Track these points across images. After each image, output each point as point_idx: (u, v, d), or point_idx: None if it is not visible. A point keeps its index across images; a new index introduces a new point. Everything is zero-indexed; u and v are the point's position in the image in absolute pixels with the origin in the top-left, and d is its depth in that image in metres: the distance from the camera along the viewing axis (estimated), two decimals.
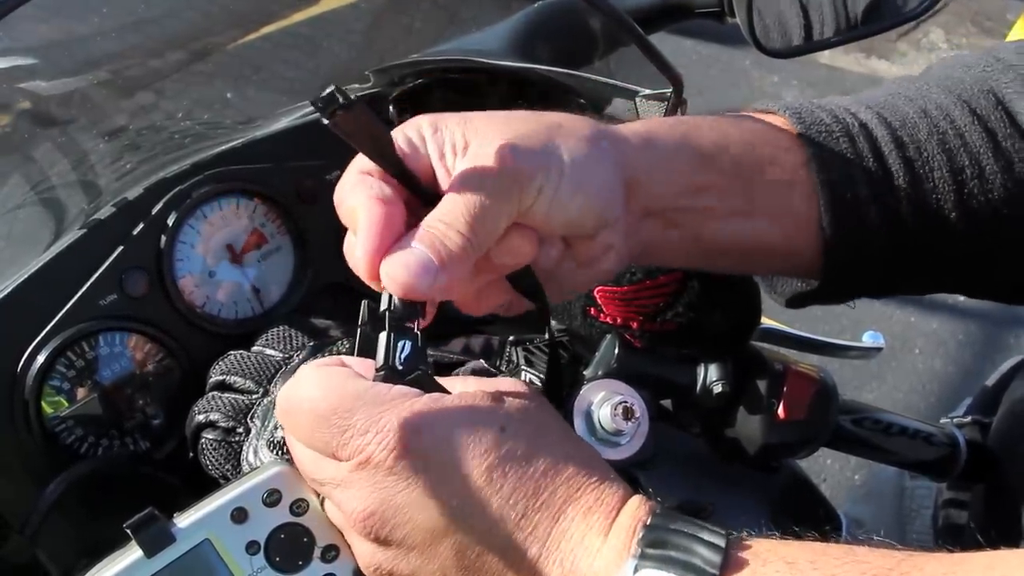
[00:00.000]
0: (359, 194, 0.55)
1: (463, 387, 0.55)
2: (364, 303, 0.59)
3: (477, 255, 0.55)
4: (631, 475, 0.71)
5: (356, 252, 0.55)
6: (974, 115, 0.66)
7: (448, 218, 0.54)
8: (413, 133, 0.58)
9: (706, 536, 0.48)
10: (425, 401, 0.52)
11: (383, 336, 0.54)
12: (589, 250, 0.60)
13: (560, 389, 0.67)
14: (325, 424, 0.52)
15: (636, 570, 0.47)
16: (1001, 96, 0.67)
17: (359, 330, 0.59)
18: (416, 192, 0.57)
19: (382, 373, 0.53)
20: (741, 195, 0.63)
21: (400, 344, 0.53)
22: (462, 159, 0.56)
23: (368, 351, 0.56)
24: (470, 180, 0.54)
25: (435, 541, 0.51)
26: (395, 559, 0.52)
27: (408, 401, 0.51)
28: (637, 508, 0.50)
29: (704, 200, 0.62)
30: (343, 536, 0.56)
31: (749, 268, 0.70)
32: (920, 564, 0.47)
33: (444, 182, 0.57)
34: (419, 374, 0.53)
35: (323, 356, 0.69)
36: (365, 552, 0.54)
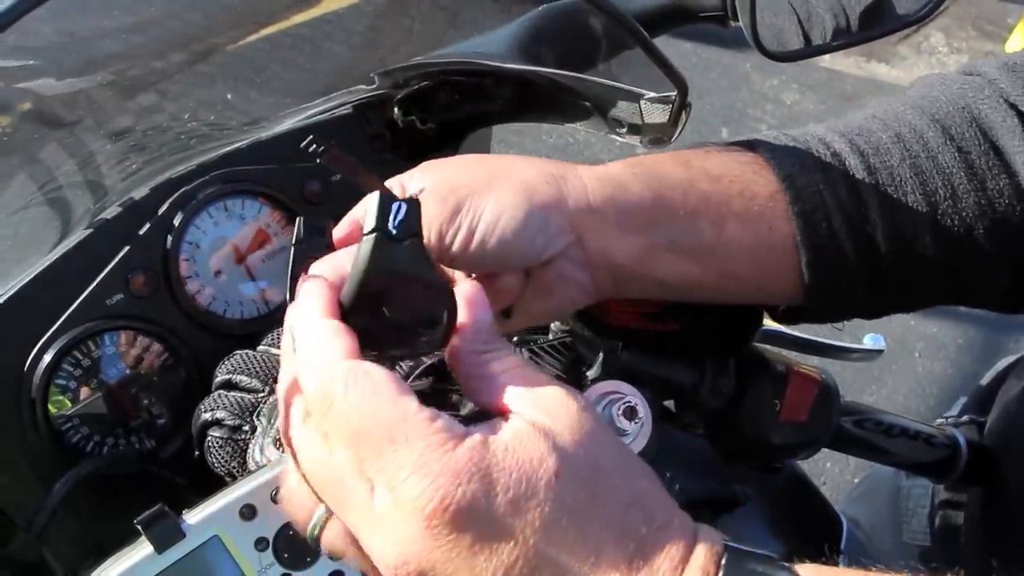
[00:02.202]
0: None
1: (514, 386, 0.50)
2: (299, 220, 0.57)
3: None
4: None
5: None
6: (947, 136, 0.66)
7: None
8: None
9: (784, 565, 0.46)
10: (471, 446, 0.46)
11: (373, 197, 0.48)
12: (544, 279, 0.63)
13: None
14: (364, 442, 0.46)
15: None
16: (976, 113, 0.67)
17: (293, 248, 0.57)
18: None
19: (372, 237, 0.47)
20: (713, 250, 0.65)
21: (395, 205, 0.48)
22: None
23: (300, 266, 0.56)
24: None
25: None
26: None
27: (452, 442, 0.46)
28: (708, 551, 0.46)
29: (668, 261, 0.64)
30: None
31: (724, 301, 0.70)
32: None
33: None
34: (413, 243, 0.48)
35: None
36: None
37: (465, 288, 0.54)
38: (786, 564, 0.46)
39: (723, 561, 0.46)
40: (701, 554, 0.46)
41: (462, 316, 0.52)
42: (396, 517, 0.45)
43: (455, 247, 0.60)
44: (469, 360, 0.51)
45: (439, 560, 0.45)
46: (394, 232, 0.47)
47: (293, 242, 0.56)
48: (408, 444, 0.45)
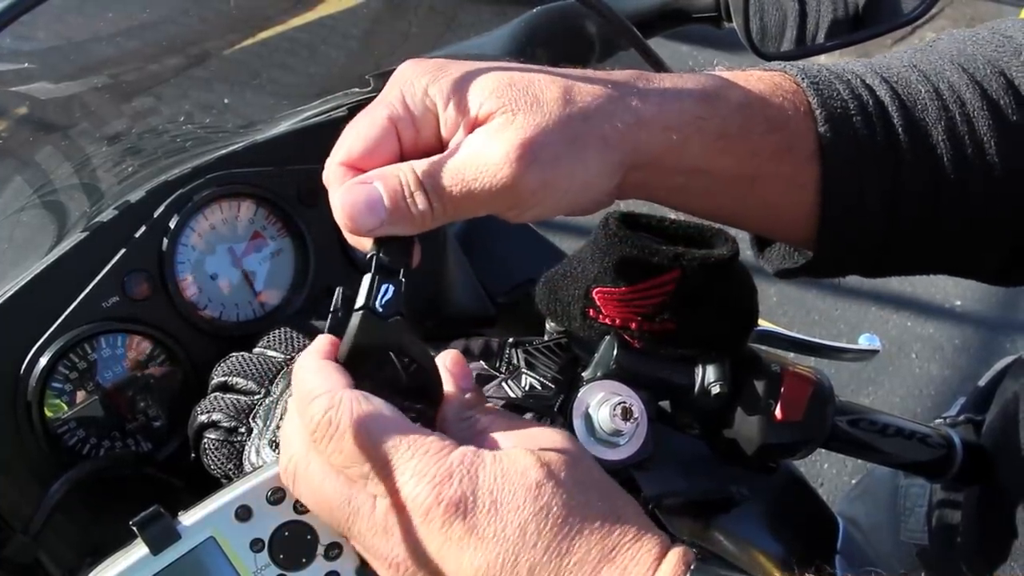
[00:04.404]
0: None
1: (500, 432, 0.55)
2: (338, 290, 0.60)
3: (435, 225, 0.56)
4: (629, 476, 0.72)
5: (327, 162, 0.57)
6: (985, 98, 0.66)
7: (429, 180, 0.55)
8: (425, 97, 0.57)
9: None
10: (463, 452, 0.51)
11: (367, 277, 0.55)
12: None
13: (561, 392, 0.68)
14: (369, 452, 0.51)
15: None
16: (1011, 79, 0.67)
17: (330, 315, 0.59)
18: None
19: (360, 313, 0.55)
20: (741, 185, 0.64)
21: (383, 287, 0.55)
22: (479, 129, 0.56)
23: (338, 335, 0.58)
24: (470, 165, 0.55)
25: None
26: None
27: (446, 449, 0.51)
28: (678, 559, 0.50)
29: (700, 181, 0.63)
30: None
31: (739, 226, 0.70)
32: None
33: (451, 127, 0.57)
34: (396, 320, 0.55)
35: None
36: None
37: (446, 359, 0.60)
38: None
39: (692, 568, 0.49)
40: (672, 560, 0.50)
41: (446, 386, 0.58)
42: (395, 519, 0.51)
43: (523, 213, 0.57)
44: (457, 427, 0.57)
45: (432, 551, 0.50)
46: (380, 310, 0.55)
47: (331, 310, 0.60)
48: (410, 451, 0.51)
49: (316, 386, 0.53)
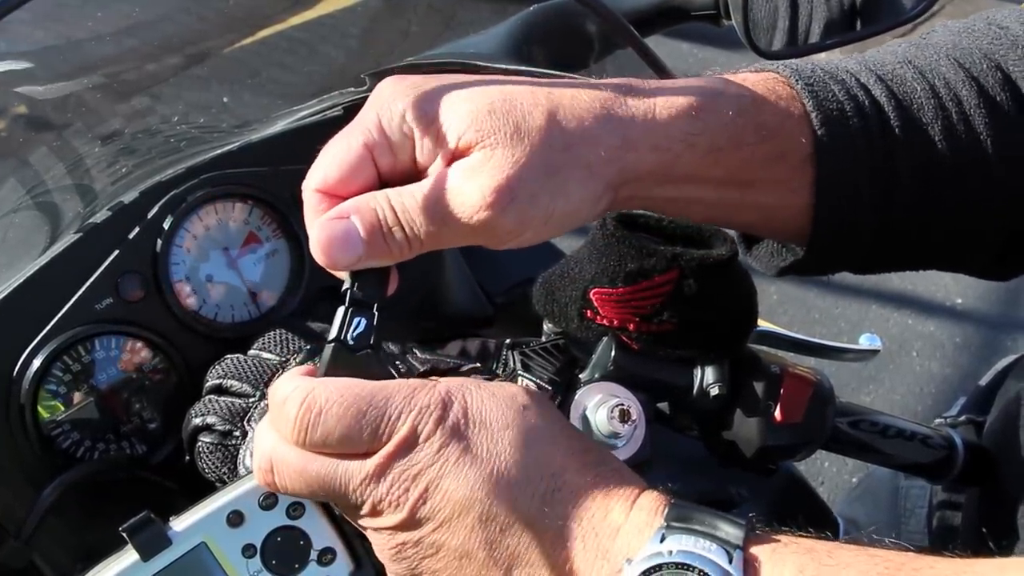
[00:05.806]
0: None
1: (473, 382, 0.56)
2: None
3: (412, 256, 0.56)
4: None
5: (304, 185, 0.57)
6: (982, 95, 0.65)
7: (406, 215, 0.54)
8: (403, 120, 0.56)
9: (728, 515, 0.50)
10: (448, 382, 0.54)
11: (340, 310, 0.56)
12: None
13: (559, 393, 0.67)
14: (361, 417, 0.52)
15: (663, 539, 0.48)
16: (1008, 73, 0.66)
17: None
18: None
19: (331, 346, 0.56)
20: (734, 191, 0.63)
21: (355, 320, 0.56)
22: (457, 163, 0.55)
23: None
24: (448, 202, 0.54)
25: (462, 513, 0.51)
26: (420, 535, 0.52)
27: (430, 383, 0.53)
28: (658, 494, 0.52)
29: (692, 190, 0.62)
30: (340, 539, 0.57)
31: (731, 227, 0.70)
32: (931, 563, 0.48)
33: (428, 153, 0.56)
34: (367, 353, 0.56)
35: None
36: (388, 534, 0.53)
37: None
38: (730, 516, 0.50)
39: (671, 500, 0.51)
40: (653, 493, 0.52)
41: None
42: (389, 462, 0.51)
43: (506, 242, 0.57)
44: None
45: (436, 476, 0.51)
46: (351, 343, 0.56)
47: (328, 340, 0.59)
48: (398, 391, 0.52)
49: (286, 390, 0.54)
